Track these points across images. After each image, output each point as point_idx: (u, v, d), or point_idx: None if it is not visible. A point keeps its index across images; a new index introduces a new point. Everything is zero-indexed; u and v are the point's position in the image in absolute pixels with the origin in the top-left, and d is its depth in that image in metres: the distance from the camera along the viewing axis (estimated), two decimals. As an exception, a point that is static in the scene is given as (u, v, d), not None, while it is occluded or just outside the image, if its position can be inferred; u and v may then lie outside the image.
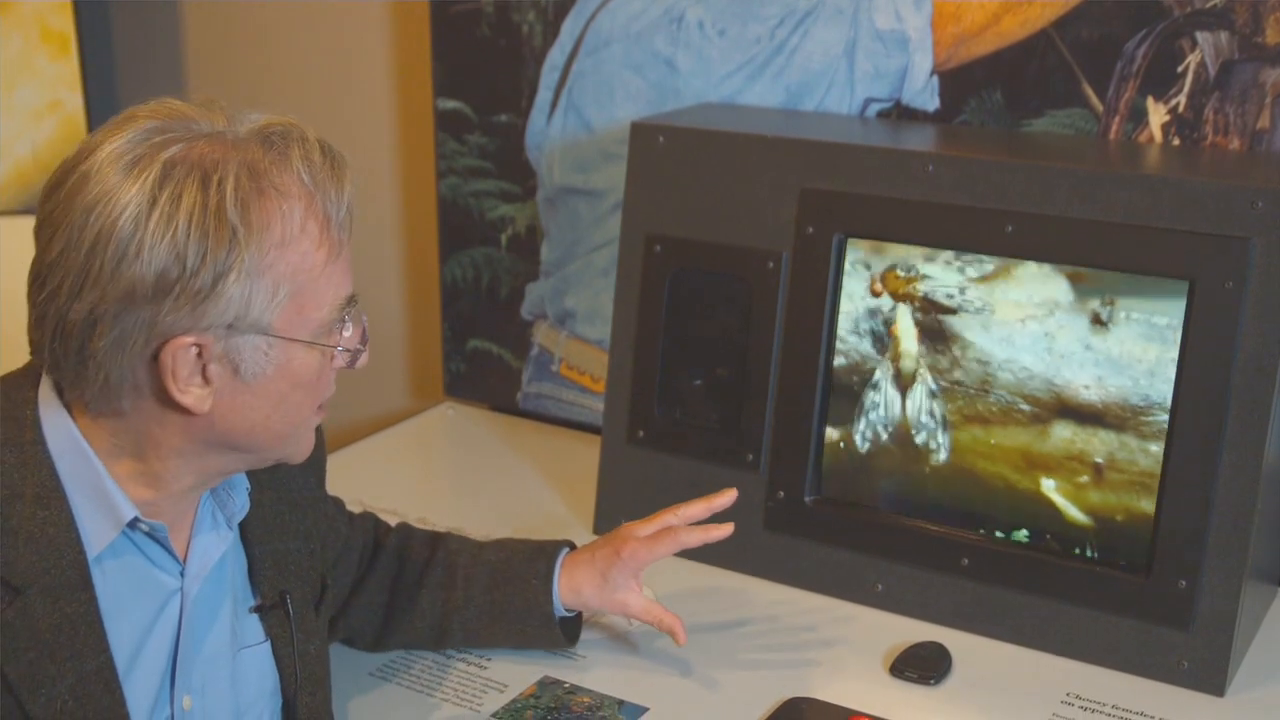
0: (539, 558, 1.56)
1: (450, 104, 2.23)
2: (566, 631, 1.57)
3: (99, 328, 1.09)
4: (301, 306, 1.14)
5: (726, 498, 1.55)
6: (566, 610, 1.56)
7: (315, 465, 1.39)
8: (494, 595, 1.55)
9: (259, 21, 2.48)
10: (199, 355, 1.11)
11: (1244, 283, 1.48)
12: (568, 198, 2.17)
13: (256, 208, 1.10)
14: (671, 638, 1.55)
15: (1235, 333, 1.49)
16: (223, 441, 1.17)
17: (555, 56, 2.12)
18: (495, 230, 2.25)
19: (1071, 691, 1.54)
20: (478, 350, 2.32)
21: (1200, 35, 1.71)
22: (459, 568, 1.56)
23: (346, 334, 1.20)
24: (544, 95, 2.14)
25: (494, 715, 1.49)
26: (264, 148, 1.13)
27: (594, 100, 2.10)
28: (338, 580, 1.50)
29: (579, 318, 2.20)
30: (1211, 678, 1.52)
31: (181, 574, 1.21)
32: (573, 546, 1.59)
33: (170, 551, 1.20)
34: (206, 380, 1.13)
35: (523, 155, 2.19)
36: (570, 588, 1.55)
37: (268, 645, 1.30)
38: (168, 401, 1.13)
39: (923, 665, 1.56)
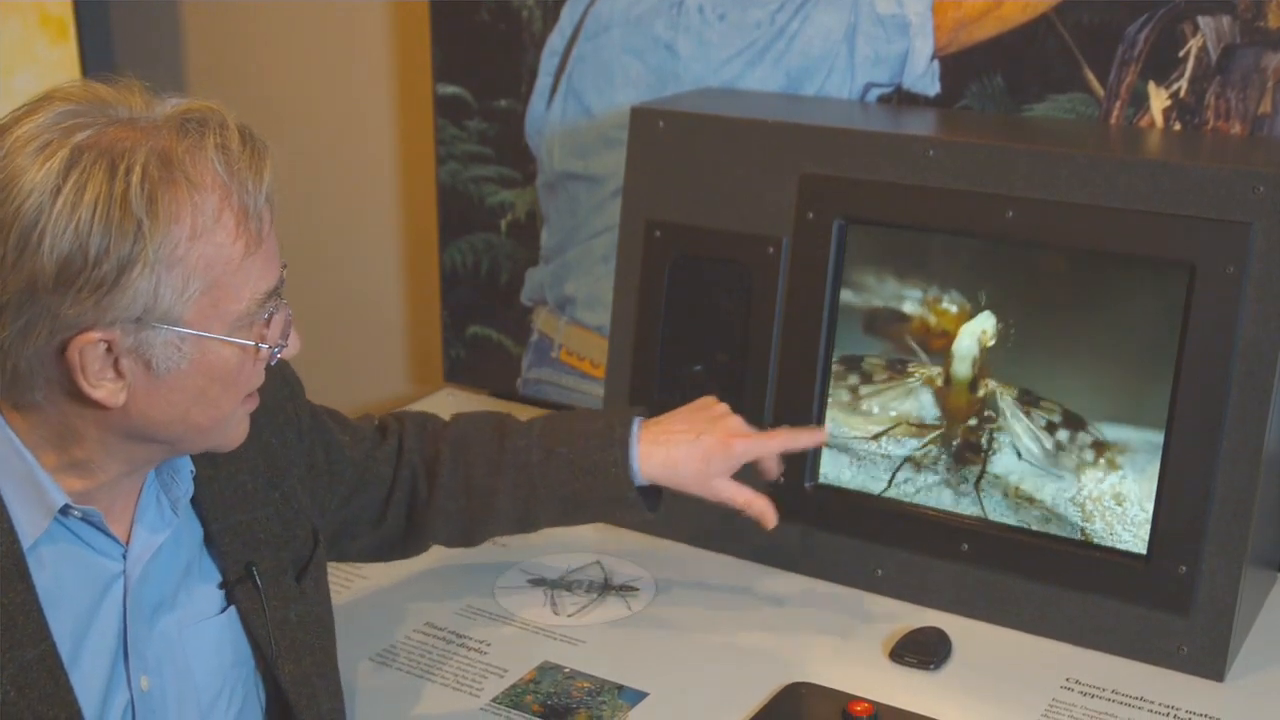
0: (612, 445, 1.54)
1: (450, 89, 2.22)
2: (649, 503, 1.57)
3: (3, 316, 1.06)
4: (217, 300, 1.10)
5: (814, 435, 1.61)
6: (648, 481, 1.55)
7: (289, 420, 1.37)
8: (575, 487, 1.54)
9: (258, 6, 2.47)
10: (108, 350, 1.09)
11: (1245, 268, 1.48)
12: (568, 183, 2.16)
13: (166, 198, 1.06)
14: (762, 522, 1.56)
15: (1236, 318, 1.49)
16: (142, 434, 1.14)
17: (555, 41, 2.12)
18: (495, 216, 2.25)
19: (1071, 676, 1.54)
20: (477, 336, 2.32)
21: (1202, 20, 1.70)
22: (532, 467, 1.55)
23: (270, 329, 1.16)
24: (544, 80, 2.14)
25: (494, 700, 1.50)
26: (179, 135, 1.09)
27: (594, 85, 2.10)
28: (365, 505, 1.52)
29: (579, 303, 2.20)
30: (1211, 663, 1.52)
31: (124, 556, 1.19)
32: (644, 415, 1.58)
33: (109, 535, 1.18)
34: (119, 374, 1.10)
35: (522, 141, 2.19)
36: (666, 463, 1.54)
37: (225, 617, 1.28)
38: (80, 396, 1.10)
39: (923, 650, 1.56)
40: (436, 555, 1.80)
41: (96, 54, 2.54)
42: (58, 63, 2.33)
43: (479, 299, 2.29)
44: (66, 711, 1.12)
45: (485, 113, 2.20)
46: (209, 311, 1.11)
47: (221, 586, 1.28)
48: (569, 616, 1.67)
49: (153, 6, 2.58)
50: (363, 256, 2.44)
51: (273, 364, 1.18)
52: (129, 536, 1.20)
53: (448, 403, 2.33)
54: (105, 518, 1.17)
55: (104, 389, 1.10)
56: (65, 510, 1.15)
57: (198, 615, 1.26)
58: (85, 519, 1.16)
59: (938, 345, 1.67)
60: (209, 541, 1.29)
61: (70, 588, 1.16)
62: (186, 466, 1.25)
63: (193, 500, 1.27)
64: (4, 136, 1.08)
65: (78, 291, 1.05)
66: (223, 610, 1.28)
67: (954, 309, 1.66)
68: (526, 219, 2.22)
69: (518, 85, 2.16)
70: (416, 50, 2.31)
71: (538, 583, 1.74)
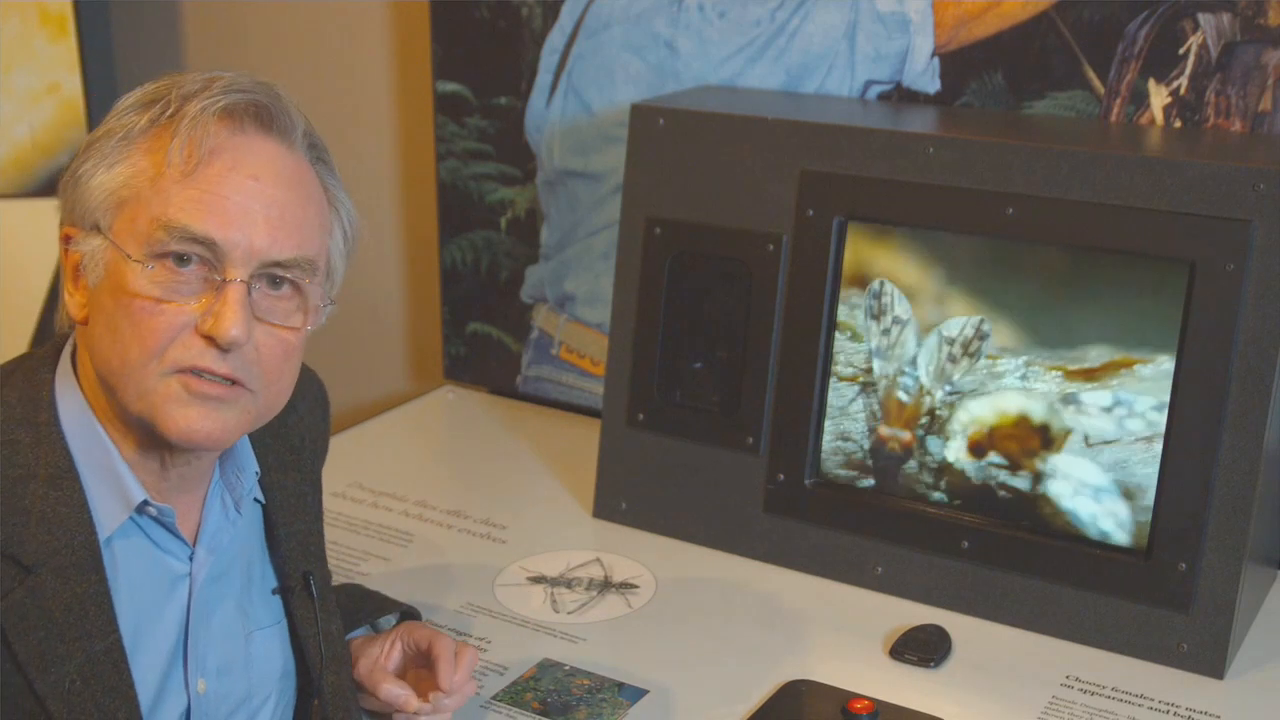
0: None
1: (450, 87, 2.22)
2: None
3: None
4: (133, 216, 1.12)
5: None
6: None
7: (325, 448, 1.41)
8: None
9: (258, 3, 2.47)
10: (74, 248, 1.15)
11: (1245, 265, 1.48)
12: (567, 181, 2.16)
13: (130, 101, 1.15)
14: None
15: (1236, 315, 1.49)
16: (98, 371, 1.15)
17: (555, 39, 2.11)
18: (495, 213, 2.25)
19: (1071, 674, 1.54)
20: (477, 334, 2.31)
21: (1202, 17, 1.70)
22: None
23: (178, 273, 1.11)
24: (544, 78, 2.14)
25: (494, 697, 1.49)
26: (207, 79, 1.15)
27: (594, 83, 2.10)
28: None
29: (579, 301, 2.20)
30: (1211, 660, 1.53)
31: (190, 558, 1.21)
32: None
33: (178, 536, 1.20)
34: (80, 285, 1.16)
35: (522, 138, 2.19)
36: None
37: (279, 628, 1.30)
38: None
39: (923, 648, 1.56)
40: (436, 554, 1.81)
41: (96, 52, 2.54)
42: (57, 59, 2.33)
43: (479, 296, 2.29)
44: (127, 707, 1.14)
45: (485, 110, 2.20)
46: (127, 227, 1.13)
47: (278, 594, 1.30)
48: (569, 614, 1.67)
49: (152, 3, 2.58)
50: (362, 254, 2.43)
51: (203, 329, 1.11)
52: (195, 539, 1.22)
53: (447, 400, 2.33)
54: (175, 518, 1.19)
55: (74, 299, 1.16)
56: (141, 508, 1.16)
57: (259, 622, 1.28)
58: (159, 517, 1.18)
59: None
60: (271, 548, 1.31)
61: (138, 584, 1.18)
62: (251, 466, 1.26)
63: (258, 506, 1.29)
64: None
65: (70, 186, 1.15)
66: (281, 618, 1.30)
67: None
68: (526, 216, 2.22)
69: (518, 82, 2.16)
70: (416, 47, 2.31)
71: (538, 580, 1.74)
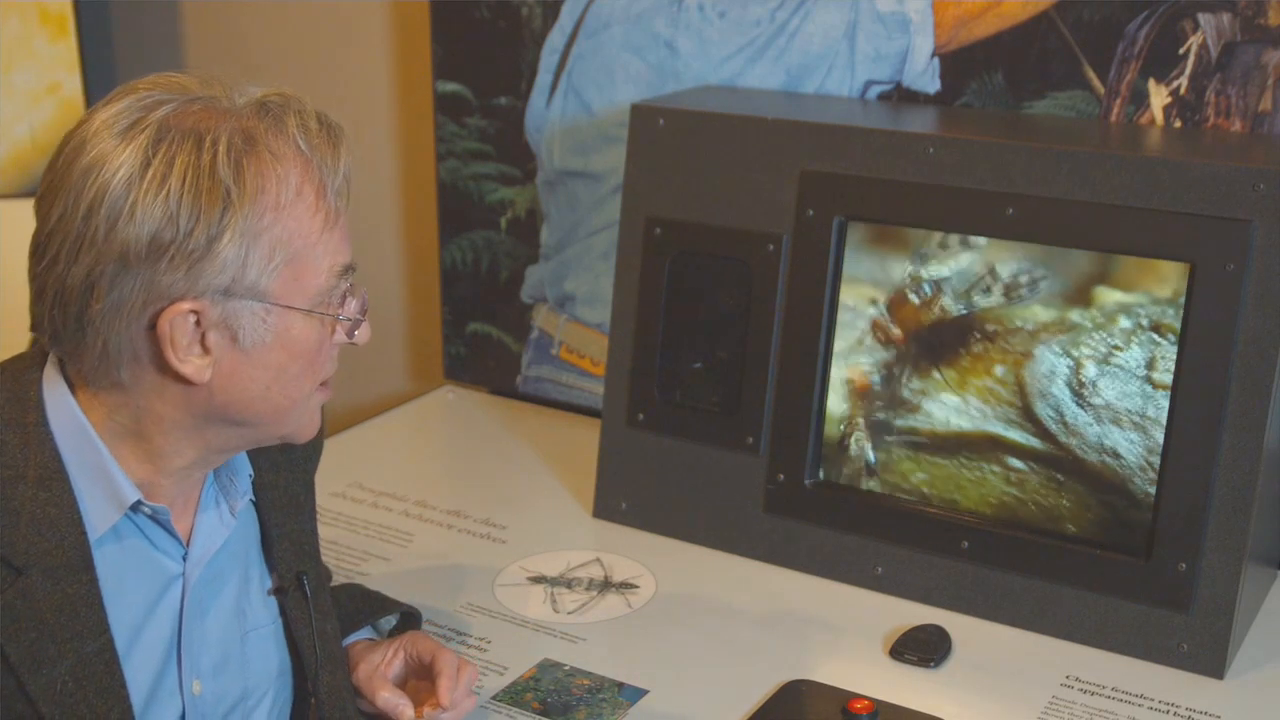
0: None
1: (450, 87, 2.22)
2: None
3: (96, 290, 1.09)
4: (299, 273, 1.14)
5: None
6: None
7: (319, 448, 1.40)
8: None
9: (257, 3, 2.47)
10: (197, 323, 1.11)
11: (1245, 265, 1.48)
12: (567, 181, 2.16)
13: (251, 169, 1.10)
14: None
15: (1236, 315, 1.49)
16: (222, 415, 1.16)
17: (555, 39, 2.11)
18: (495, 213, 2.25)
19: (1071, 674, 1.54)
20: (477, 334, 2.31)
21: (1202, 17, 1.70)
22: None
23: (346, 305, 1.19)
24: (544, 78, 2.14)
25: (494, 697, 1.49)
26: (259, 115, 1.13)
27: (594, 83, 2.10)
28: None
29: (579, 301, 2.20)
30: (1211, 660, 1.53)
31: (184, 558, 1.21)
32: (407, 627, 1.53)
33: (173, 534, 1.20)
34: (206, 349, 1.12)
35: (522, 138, 2.19)
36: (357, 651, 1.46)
37: (274, 628, 1.30)
38: (167, 371, 1.12)
39: (923, 648, 1.56)
40: (436, 554, 1.81)
41: (96, 51, 2.54)
42: (57, 58, 2.33)
43: (479, 296, 2.29)
44: (119, 707, 1.14)
45: (485, 110, 2.20)
46: (291, 285, 1.13)
47: (273, 594, 1.30)
48: (569, 614, 1.67)
49: (152, 3, 2.58)
50: (362, 254, 2.43)
51: (354, 340, 1.20)
52: (189, 538, 1.22)
53: (447, 400, 2.33)
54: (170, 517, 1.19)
55: (191, 364, 1.12)
56: (135, 507, 1.16)
57: (255, 622, 1.28)
58: (154, 516, 1.18)
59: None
60: (266, 548, 1.31)
61: (130, 584, 1.18)
62: (245, 470, 1.27)
63: (253, 506, 1.29)
64: (88, 123, 1.11)
65: (169, 262, 1.08)
66: (276, 618, 1.30)
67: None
68: (526, 216, 2.22)
69: (518, 82, 2.16)
70: (417, 47, 2.31)
71: (538, 580, 1.74)
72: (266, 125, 1.13)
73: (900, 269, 1.67)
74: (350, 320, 1.20)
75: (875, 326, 1.68)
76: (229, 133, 1.10)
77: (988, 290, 1.62)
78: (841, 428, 1.72)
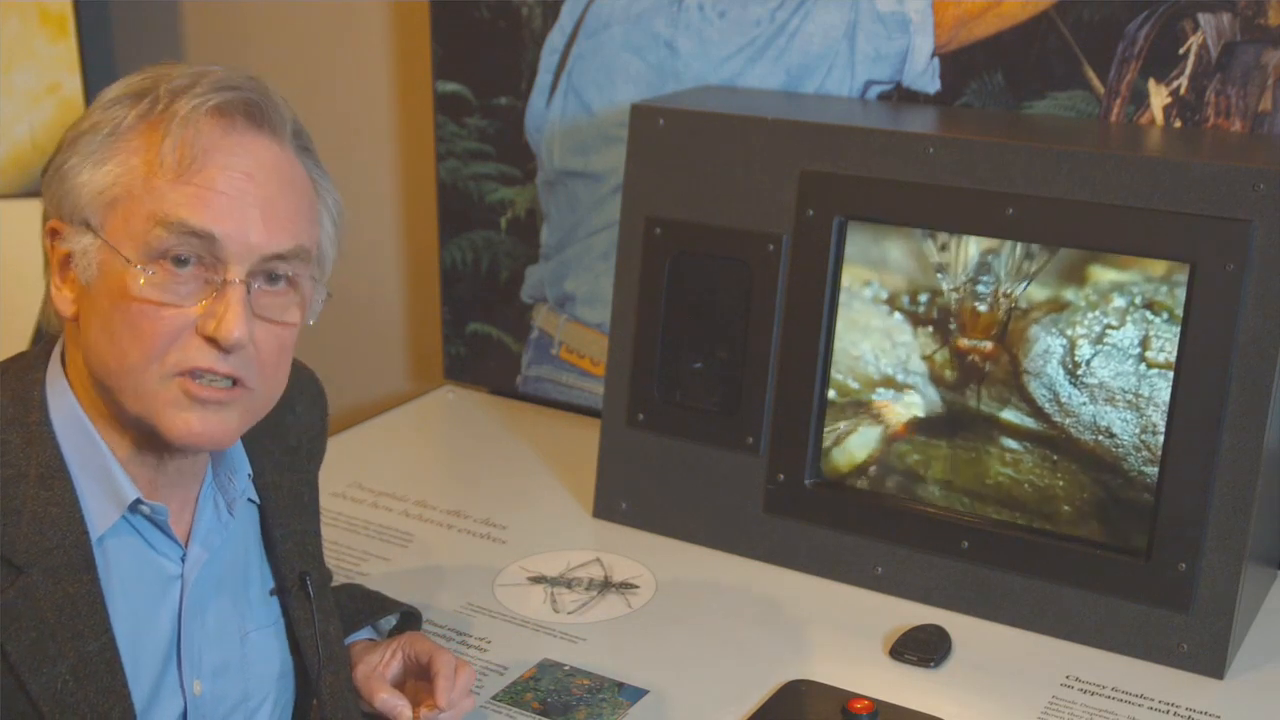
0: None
1: (450, 87, 2.22)
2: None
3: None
4: (127, 216, 1.11)
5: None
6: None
7: (322, 448, 1.40)
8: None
9: (257, 3, 2.47)
10: (62, 242, 1.13)
11: (1245, 265, 1.48)
12: (567, 181, 2.16)
13: (114, 95, 1.14)
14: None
15: (1236, 315, 1.49)
16: (93, 372, 1.14)
17: (555, 39, 2.11)
18: (495, 213, 2.25)
19: (1071, 674, 1.54)
20: (477, 334, 2.31)
21: (1202, 17, 1.70)
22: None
23: (180, 274, 1.11)
24: (544, 78, 2.14)
25: (494, 697, 1.49)
26: (205, 86, 1.13)
27: (594, 83, 2.10)
28: None
29: (579, 301, 2.20)
30: (1211, 660, 1.53)
31: (182, 559, 1.21)
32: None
33: (170, 536, 1.20)
34: (69, 280, 1.14)
35: (522, 138, 2.19)
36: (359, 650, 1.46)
37: (276, 628, 1.30)
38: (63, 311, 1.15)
39: (923, 648, 1.56)
40: (436, 554, 1.81)
41: (96, 51, 2.54)
42: (57, 59, 2.33)
43: (479, 296, 2.29)
44: (120, 706, 1.14)
45: (485, 110, 2.20)
46: (120, 227, 1.11)
47: (275, 594, 1.30)
48: (569, 614, 1.67)
49: (152, 3, 2.58)
50: (362, 254, 2.44)
51: (215, 335, 1.11)
52: (187, 539, 1.21)
53: (447, 400, 2.33)
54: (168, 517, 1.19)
55: (62, 294, 1.15)
56: (134, 506, 1.16)
57: (256, 623, 1.28)
58: (152, 516, 1.18)
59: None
60: (268, 548, 1.30)
61: (130, 584, 1.18)
62: (243, 468, 1.26)
63: (254, 506, 1.29)
64: (85, 118, 1.16)
65: (51, 176, 1.14)
66: (278, 619, 1.30)
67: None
68: (526, 216, 2.22)
69: (518, 82, 2.16)
70: (416, 47, 2.31)
71: (538, 580, 1.74)
72: (189, 84, 1.13)
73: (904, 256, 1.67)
74: (157, 287, 1.10)
75: (962, 352, 1.65)
76: (159, 82, 1.13)
77: (1031, 255, 1.60)
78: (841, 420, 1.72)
